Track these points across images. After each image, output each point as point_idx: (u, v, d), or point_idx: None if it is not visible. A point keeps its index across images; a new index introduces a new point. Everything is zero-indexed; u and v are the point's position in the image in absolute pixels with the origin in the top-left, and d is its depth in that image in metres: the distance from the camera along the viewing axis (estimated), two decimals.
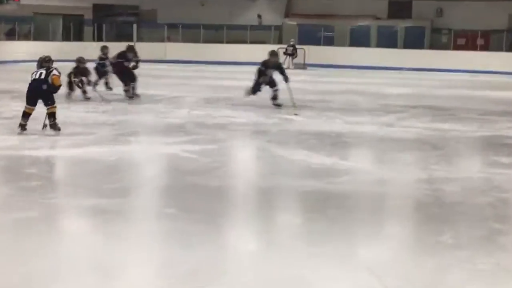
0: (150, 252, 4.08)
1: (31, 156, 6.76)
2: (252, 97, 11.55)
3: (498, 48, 22.97)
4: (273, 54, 11.29)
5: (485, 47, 23.61)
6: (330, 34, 24.65)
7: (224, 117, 10.15)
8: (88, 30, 25.70)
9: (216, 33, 25.18)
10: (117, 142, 7.66)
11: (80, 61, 10.53)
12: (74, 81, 10.29)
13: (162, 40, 24.56)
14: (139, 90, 12.05)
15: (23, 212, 4.65)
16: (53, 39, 24.27)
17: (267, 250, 4.18)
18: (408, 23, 24.74)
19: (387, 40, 23.63)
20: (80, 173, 6.30)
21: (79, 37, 25.21)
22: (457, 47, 23.70)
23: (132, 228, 4.57)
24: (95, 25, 25.22)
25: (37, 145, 7.22)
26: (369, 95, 14.10)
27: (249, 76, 13.33)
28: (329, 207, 5.14)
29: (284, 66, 20.72)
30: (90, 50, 19.27)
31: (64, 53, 17.56)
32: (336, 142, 8.18)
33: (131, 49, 11.52)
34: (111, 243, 4.18)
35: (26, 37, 23.49)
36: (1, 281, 3.65)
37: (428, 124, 10.19)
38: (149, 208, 5.18)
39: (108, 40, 22.15)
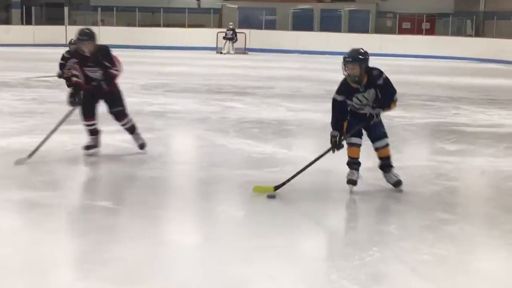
0: (82, 249, 3.80)
1: None
2: (192, 83, 11.48)
3: (444, 33, 22.76)
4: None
5: (431, 31, 23.35)
6: (272, 17, 23.92)
7: (161, 104, 9.71)
8: (16, 12, 23.82)
9: (153, 16, 23.92)
10: (47, 132, 6.76)
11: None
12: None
13: (96, 24, 22.22)
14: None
15: None
16: None
17: (206, 245, 3.94)
18: (352, 6, 24.18)
19: (331, 24, 22.85)
20: (7, 165, 5.72)
21: (6, 21, 23.77)
22: (402, 31, 23.24)
23: (63, 223, 4.31)
24: (23, 7, 23.08)
25: None
26: (313, 81, 13.66)
27: (187, 61, 12.61)
28: (270, 201, 4.78)
29: (224, 51, 20.41)
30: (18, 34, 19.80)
31: None
32: (279, 131, 7.89)
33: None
34: (42, 239, 3.88)
35: None
36: None
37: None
38: (82, 202, 4.89)
39: (37, 23, 21.32)
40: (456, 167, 6.31)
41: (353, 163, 4.71)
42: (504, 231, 4.31)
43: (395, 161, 6.02)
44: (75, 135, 6.90)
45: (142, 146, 5.77)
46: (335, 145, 4.59)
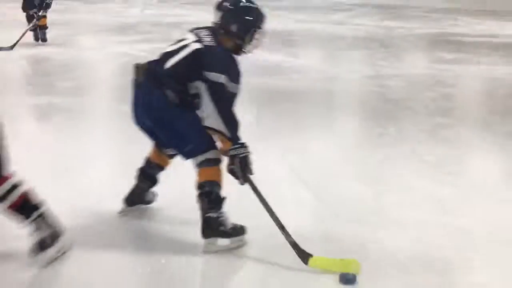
0: (108, 149, 3.89)
1: None
2: None
3: None
4: None
5: None
6: None
7: (177, 16, 10.02)
8: None
9: None
10: (69, 42, 7.41)
11: None
12: None
13: None
14: None
15: None
16: None
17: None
18: None
19: None
20: (33, 73, 6.00)
21: None
22: None
23: (88, 126, 4.38)
24: None
25: None
26: None
27: None
28: (280, 104, 5.04)
29: None
30: None
31: None
32: (287, 40, 8.15)
33: None
34: (68, 141, 3.93)
35: None
36: None
37: (376, 22, 10.35)
38: (104, 106, 4.99)
39: None
40: (454, 74, 6.48)
41: None
42: (496, 133, 4.45)
43: (395, 69, 6.43)
44: (85, 46, 7.35)
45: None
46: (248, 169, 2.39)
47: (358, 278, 2.07)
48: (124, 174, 3.03)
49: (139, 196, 2.68)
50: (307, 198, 3.07)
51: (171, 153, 2.64)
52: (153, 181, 2.68)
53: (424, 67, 7.01)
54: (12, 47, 6.34)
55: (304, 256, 2.26)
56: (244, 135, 3.43)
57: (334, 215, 2.86)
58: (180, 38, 2.54)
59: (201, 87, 2.39)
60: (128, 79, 5.28)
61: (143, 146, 3.40)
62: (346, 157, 3.79)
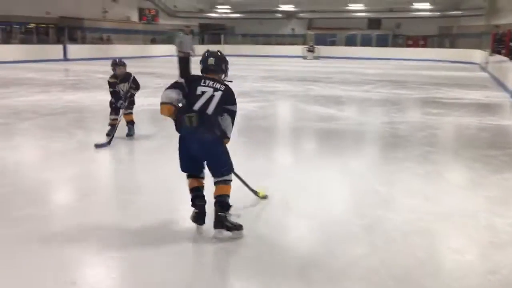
0: (235, 163, 3.91)
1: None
2: (289, 76, 15.35)
3: (432, 46, 30.90)
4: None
5: (424, 45, 31.10)
6: (333, 39, 33.04)
7: (272, 87, 12.81)
8: (196, 38, 33.82)
9: (268, 39, 34.26)
10: None
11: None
12: None
13: (238, 43, 34.84)
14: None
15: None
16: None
17: (297, 161, 5.40)
18: (378, 32, 32.93)
19: (366, 42, 31.41)
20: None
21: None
22: (408, 46, 32.53)
23: None
24: (201, 35, 35.99)
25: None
26: (355, 74, 17.67)
27: (286, 63, 18.80)
28: (332, 138, 6.44)
29: (307, 58, 28.55)
30: (197, 49, 27.34)
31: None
32: (336, 101, 10.03)
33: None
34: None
35: (162, 42, 31.69)
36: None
37: (390, 90, 12.37)
38: (232, 138, 5.46)
39: (205, 43, 33.66)
40: (437, 122, 7.66)
41: None
42: (463, 157, 5.51)
43: (402, 118, 7.72)
44: None
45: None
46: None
47: None
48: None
49: (204, 213, 3.20)
50: (354, 191, 4.23)
51: (203, 175, 3.22)
52: (204, 199, 3.22)
53: (419, 117, 8.24)
54: (109, 143, 5.72)
55: (255, 192, 3.67)
56: (312, 157, 5.17)
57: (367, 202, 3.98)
58: (201, 91, 3.10)
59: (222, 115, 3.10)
60: (242, 124, 6.75)
61: (248, 160, 5.15)
62: (371, 169, 4.97)
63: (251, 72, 17.75)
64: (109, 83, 6.07)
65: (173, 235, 3.24)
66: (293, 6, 34.61)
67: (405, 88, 13.05)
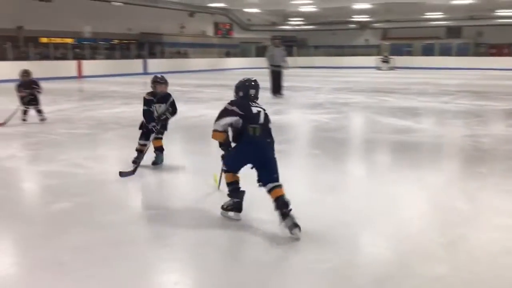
0: (304, 175, 5.11)
1: None
2: (363, 87, 15.60)
3: None
4: None
5: (509, 54, 29.83)
6: (409, 49, 32.38)
7: (345, 98, 12.95)
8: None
9: (341, 50, 34.43)
10: (282, 113, 9.84)
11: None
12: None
13: (311, 55, 35.32)
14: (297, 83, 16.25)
15: None
16: (249, 56, 34.51)
17: (371, 174, 5.28)
18: (459, 41, 31.87)
19: (445, 51, 30.44)
20: None
21: (263, 55, 32.68)
22: (491, 54, 30.42)
23: (292, 160, 5.73)
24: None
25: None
26: (434, 85, 16.99)
27: (360, 74, 18.88)
28: (408, 151, 6.36)
29: (382, 69, 28.50)
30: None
31: (252, 63, 29.54)
32: (413, 113, 10.02)
33: None
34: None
35: (235, 55, 34.15)
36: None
37: (471, 101, 12.08)
38: (303, 150, 6.71)
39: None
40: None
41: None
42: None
43: (484, 131, 7.76)
44: (292, 115, 9.64)
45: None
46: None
47: None
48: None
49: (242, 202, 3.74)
50: (433, 208, 4.10)
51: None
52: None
53: (504, 130, 8.26)
54: (134, 172, 5.10)
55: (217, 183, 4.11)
56: (387, 170, 5.25)
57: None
58: (256, 111, 3.64)
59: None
60: (315, 135, 7.67)
61: (324, 174, 4.89)
62: (451, 184, 4.86)
63: (323, 84, 18.01)
64: (145, 100, 5.35)
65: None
66: (367, 16, 34.21)
67: (488, 99, 12.72)
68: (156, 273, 2.98)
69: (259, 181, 3.59)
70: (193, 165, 5.73)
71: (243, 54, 36.80)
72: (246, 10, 33.49)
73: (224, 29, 34.50)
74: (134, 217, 3.96)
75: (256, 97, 3.78)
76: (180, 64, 28.52)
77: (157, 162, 5.44)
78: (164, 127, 5.44)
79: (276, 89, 13.08)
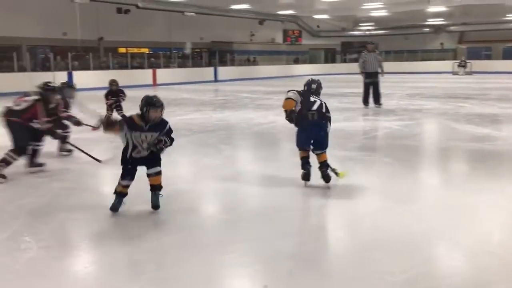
0: (375, 184, 4.99)
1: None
2: (437, 93, 15.03)
3: None
4: None
5: None
6: (488, 52, 31.16)
7: (419, 104, 12.72)
8: (338, 57, 38.73)
9: (413, 54, 33.56)
10: (352, 120, 9.95)
11: None
12: None
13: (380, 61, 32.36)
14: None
15: None
16: (318, 63, 36.12)
17: (447, 184, 5.18)
18: None
19: None
20: (333, 136, 7.19)
21: (332, 61, 37.62)
22: None
23: (362, 168, 5.72)
24: (343, 54, 38.33)
25: None
26: None
27: (434, 80, 18.53)
28: (488, 160, 6.15)
29: (459, 73, 27.30)
30: (337, 68, 32.97)
31: (321, 69, 29.80)
32: (493, 120, 9.75)
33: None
34: (357, 171, 5.29)
35: (304, 62, 34.99)
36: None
37: None
38: (373, 157, 6.60)
39: (347, 62, 33.96)
40: None
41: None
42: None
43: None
44: (366, 122, 9.66)
45: None
46: None
47: None
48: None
49: (310, 173, 4.82)
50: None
51: (309, 149, 4.83)
52: (310, 164, 4.84)
53: None
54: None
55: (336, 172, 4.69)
56: (464, 180, 5.17)
57: None
58: (313, 100, 4.73)
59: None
60: (386, 142, 7.62)
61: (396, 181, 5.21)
62: None
63: (395, 90, 17.58)
64: (129, 122, 4.12)
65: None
66: (443, 20, 32.82)
67: None
68: (228, 277, 3.03)
69: (313, 149, 4.90)
70: (263, 171, 5.79)
71: (312, 60, 36.69)
72: (315, 16, 33.37)
73: (293, 36, 34.59)
74: (206, 222, 4.06)
75: (317, 91, 5.02)
76: (249, 71, 28.94)
77: (158, 205, 4.23)
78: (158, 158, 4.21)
79: (373, 98, 12.00)
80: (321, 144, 4.86)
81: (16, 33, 21.16)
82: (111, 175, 5.85)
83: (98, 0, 22.11)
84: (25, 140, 5.50)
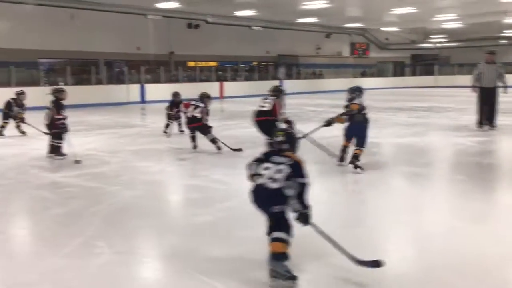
0: (446, 202, 4.95)
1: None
2: None
3: None
4: None
5: None
6: None
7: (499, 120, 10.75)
8: (407, 70, 37.44)
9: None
10: (422, 135, 9.61)
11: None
12: None
13: (454, 74, 31.92)
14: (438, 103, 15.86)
15: None
16: (386, 76, 35.29)
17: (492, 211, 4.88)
18: None
19: None
20: (401, 152, 7.94)
21: (401, 74, 36.50)
22: None
23: (433, 186, 5.74)
24: (412, 66, 37.06)
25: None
26: None
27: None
28: None
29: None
30: (408, 81, 31.99)
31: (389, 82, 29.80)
32: None
33: None
34: (418, 189, 5.29)
35: (371, 75, 34.18)
36: None
37: None
38: (445, 175, 6.46)
39: (416, 75, 33.89)
40: None
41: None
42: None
43: None
44: (434, 138, 9.27)
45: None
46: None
47: None
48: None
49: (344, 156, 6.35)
50: None
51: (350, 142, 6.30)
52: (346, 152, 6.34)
53: None
54: None
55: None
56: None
57: None
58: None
59: None
60: (459, 159, 7.31)
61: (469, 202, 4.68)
62: None
63: (469, 105, 16.39)
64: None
65: None
66: None
67: None
68: None
69: (357, 145, 6.27)
70: (327, 185, 5.74)
71: (380, 73, 35.90)
72: (384, 29, 32.74)
73: (360, 49, 34.12)
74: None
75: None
76: (315, 84, 28.82)
77: None
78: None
79: (485, 117, 10.29)
80: (361, 141, 6.34)
81: (95, 48, 22.40)
82: (173, 185, 6.12)
83: (170, 16, 22.96)
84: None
